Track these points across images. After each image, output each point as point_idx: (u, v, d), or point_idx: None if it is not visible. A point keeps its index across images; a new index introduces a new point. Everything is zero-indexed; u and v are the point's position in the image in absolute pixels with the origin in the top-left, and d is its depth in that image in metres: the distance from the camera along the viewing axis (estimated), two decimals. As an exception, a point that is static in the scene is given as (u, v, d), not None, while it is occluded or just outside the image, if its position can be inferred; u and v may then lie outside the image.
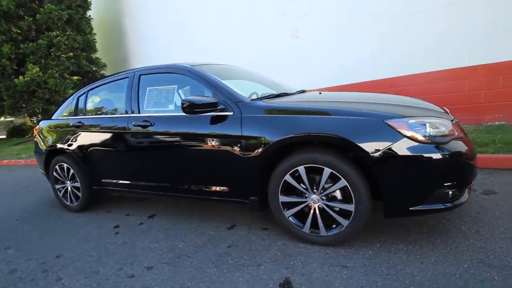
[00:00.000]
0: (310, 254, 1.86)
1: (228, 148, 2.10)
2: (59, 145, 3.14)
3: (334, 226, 1.89)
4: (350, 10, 5.54)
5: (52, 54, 9.01)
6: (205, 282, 1.72)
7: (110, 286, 1.79)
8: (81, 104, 3.11)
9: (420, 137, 1.66)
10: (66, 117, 3.18)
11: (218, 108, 2.12)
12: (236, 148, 2.07)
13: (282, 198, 1.99)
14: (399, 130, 1.67)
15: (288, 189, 1.97)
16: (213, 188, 2.27)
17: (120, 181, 2.82)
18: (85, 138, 2.92)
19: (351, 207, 1.79)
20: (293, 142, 1.89)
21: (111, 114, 2.85)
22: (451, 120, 1.88)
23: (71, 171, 3.10)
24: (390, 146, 1.65)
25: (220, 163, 2.17)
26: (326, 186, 1.86)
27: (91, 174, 2.98)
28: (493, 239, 1.77)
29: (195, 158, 2.29)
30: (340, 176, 1.77)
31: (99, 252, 2.25)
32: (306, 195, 1.92)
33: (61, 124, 3.20)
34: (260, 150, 1.97)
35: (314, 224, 1.93)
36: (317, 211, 1.91)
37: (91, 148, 2.90)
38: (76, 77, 9.54)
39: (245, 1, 7.11)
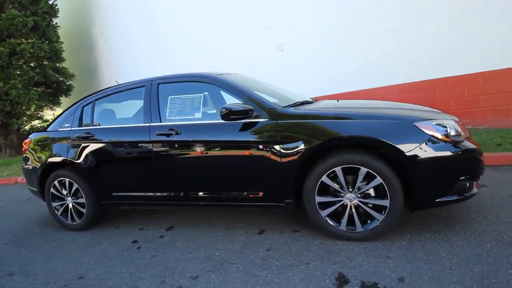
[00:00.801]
0: (351, 249, 1.99)
1: (265, 153, 2.17)
2: (59, 159, 2.93)
3: (369, 221, 2.06)
4: (332, 27, 6.00)
5: (14, 63, 8.23)
6: (260, 284, 1.75)
7: (159, 300, 1.73)
8: (87, 114, 2.94)
9: (443, 137, 1.92)
10: (69, 129, 2.98)
11: (253, 115, 2.20)
12: (271, 154, 2.15)
13: (319, 199, 2.11)
14: (425, 131, 1.91)
15: (324, 190, 2.10)
16: (247, 194, 2.31)
17: (136, 194, 2.70)
18: (95, 150, 2.76)
19: (386, 203, 1.97)
20: (333, 145, 2.03)
21: (126, 124, 2.76)
22: (459, 123, 2.20)
23: (74, 186, 2.89)
24: (419, 145, 1.88)
25: (256, 168, 2.23)
26: (360, 184, 2.03)
27: (101, 188, 2.81)
28: (500, 223, 2.07)
29: (228, 165, 2.32)
30: (376, 174, 1.95)
31: (129, 268, 2.14)
32: (342, 194, 2.07)
33: (61, 136, 2.98)
34: (297, 154, 2.08)
35: (349, 221, 2.08)
36: (353, 209, 2.06)
37: (102, 160, 2.75)
38: (35, 89, 8.70)
39: (230, 12, 7.30)
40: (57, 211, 3.05)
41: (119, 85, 2.93)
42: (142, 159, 2.59)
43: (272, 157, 2.15)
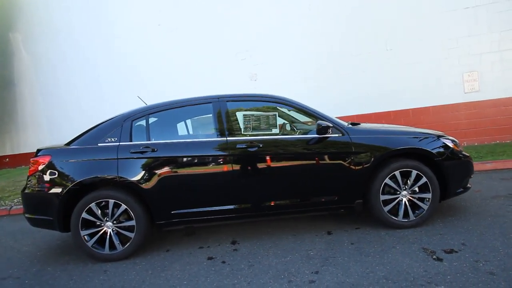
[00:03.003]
0: (413, 234, 2.58)
1: (342, 162, 2.64)
2: (104, 177, 2.59)
3: (417, 211, 2.73)
4: (300, 62, 7.06)
5: None
6: (374, 266, 2.13)
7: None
8: (140, 129, 2.74)
9: (456, 147, 2.84)
10: (117, 143, 2.67)
11: (330, 131, 2.66)
12: (347, 162, 2.64)
13: (382, 197, 2.68)
14: (448, 143, 2.79)
15: (385, 189, 2.69)
16: (324, 199, 2.67)
17: (201, 209, 2.66)
18: (158, 165, 2.60)
19: (429, 195, 2.70)
20: (395, 154, 2.68)
21: (195, 138, 2.73)
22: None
23: (121, 207, 2.59)
24: (447, 153, 2.73)
25: (333, 176, 2.66)
26: (409, 183, 2.71)
27: (159, 207, 2.62)
28: (504, 208, 3.05)
29: (308, 174, 2.66)
30: (422, 175, 2.68)
31: (239, 278, 2.15)
32: (398, 192, 2.71)
33: (106, 152, 2.64)
34: (368, 162, 2.63)
35: (404, 213, 2.71)
36: (407, 203, 2.71)
37: (166, 176, 2.61)
38: None
39: (201, 42, 7.60)
40: (89, 241, 2.60)
41: (177, 100, 2.88)
42: (218, 172, 2.63)
43: (348, 165, 2.64)
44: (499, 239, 2.35)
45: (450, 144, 2.82)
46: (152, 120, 2.81)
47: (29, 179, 2.73)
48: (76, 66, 8.64)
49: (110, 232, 2.62)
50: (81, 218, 2.58)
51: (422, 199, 2.72)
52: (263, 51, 7.21)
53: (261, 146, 2.64)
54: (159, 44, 7.87)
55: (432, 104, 6.16)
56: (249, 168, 2.65)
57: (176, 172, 2.64)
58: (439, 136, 2.83)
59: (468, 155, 2.94)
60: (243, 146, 2.63)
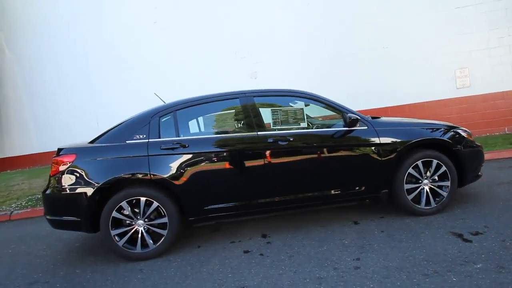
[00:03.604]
0: (438, 219, 2.72)
1: (370, 153, 2.74)
2: (135, 175, 2.54)
3: (437, 199, 2.88)
4: (300, 60, 7.16)
5: None
6: (411, 250, 2.24)
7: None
8: (168, 125, 2.71)
9: (470, 138, 3.02)
10: (146, 140, 2.62)
11: (358, 124, 2.76)
12: (374, 154, 2.75)
13: (406, 186, 2.81)
14: (462, 134, 2.96)
15: (408, 179, 2.82)
16: (352, 189, 2.77)
17: (234, 204, 2.67)
18: (191, 161, 2.59)
19: (448, 183, 2.85)
20: (417, 145, 2.80)
21: (220, 134, 2.73)
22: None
23: (153, 205, 2.55)
24: (464, 143, 2.90)
25: (361, 167, 2.76)
26: (430, 172, 2.85)
27: (192, 203, 2.61)
28: (511, 193, 3.25)
29: (337, 166, 2.74)
30: (442, 164, 2.83)
31: (283, 268, 2.19)
32: (420, 181, 2.84)
33: (136, 149, 2.59)
34: (394, 152, 2.75)
35: (425, 201, 2.85)
36: (428, 191, 2.85)
37: (198, 172, 2.60)
38: None
39: (199, 40, 7.53)
40: (120, 240, 2.54)
41: (204, 96, 2.87)
42: (250, 166, 2.65)
43: (375, 156, 2.75)
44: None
45: (465, 135, 2.99)
46: (179, 116, 2.79)
47: (51, 179, 2.63)
48: (67, 65, 8.31)
49: (141, 231, 2.58)
50: (111, 217, 2.53)
51: (441, 187, 2.87)
52: (262, 49, 7.26)
53: (291, 140, 2.69)
54: (154, 42, 7.73)
55: (427, 100, 6.46)
56: (280, 161, 2.69)
57: (208, 167, 2.64)
58: (455, 127, 3.00)
59: (479, 144, 3.13)
60: (274, 140, 2.67)
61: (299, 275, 2.08)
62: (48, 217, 2.69)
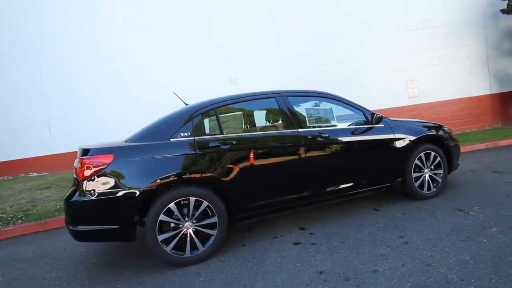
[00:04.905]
0: (440, 201, 3.27)
1: (388, 147, 3.16)
2: (184, 174, 2.43)
3: (434, 184, 3.45)
4: (281, 68, 7.57)
5: None
6: (435, 224, 2.67)
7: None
8: (211, 122, 2.67)
9: (451, 134, 3.71)
10: (191, 138, 2.51)
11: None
12: (392, 147, 3.18)
13: (414, 175, 3.31)
14: (448, 131, 3.64)
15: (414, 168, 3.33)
16: (375, 179, 3.14)
17: (277, 199, 2.76)
18: (238, 159, 2.59)
19: (441, 171, 3.46)
20: (421, 139, 3.33)
21: (260, 131, 2.81)
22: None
23: (203, 204, 2.47)
24: (449, 138, 3.56)
25: (383, 159, 3.16)
26: (429, 162, 3.42)
27: (239, 201, 2.60)
28: (482, 176, 4.06)
29: (365, 159, 3.09)
30: (438, 155, 3.43)
31: (348, 254, 2.36)
32: (423, 170, 3.38)
33: (182, 147, 2.48)
34: (405, 145, 3.22)
35: (423, 187, 3.39)
36: (428, 178, 3.40)
37: (244, 169, 2.61)
38: None
39: (178, 47, 7.33)
40: (167, 246, 2.37)
41: (242, 94, 2.91)
42: (293, 162, 2.78)
43: (392, 149, 3.18)
44: (498, 195, 3.22)
45: (449, 131, 3.68)
46: (220, 113, 2.77)
47: (82, 183, 2.31)
48: (15, 68, 7.11)
49: (190, 233, 2.46)
50: (158, 221, 2.35)
51: (437, 175, 3.46)
52: (242, 56, 7.46)
53: (327, 136, 2.93)
54: (125, 41, 7.22)
55: (387, 107, 7.50)
56: (319, 156, 2.90)
57: (254, 164, 2.68)
58: (442, 126, 3.66)
59: (457, 139, 3.88)
60: (313, 137, 2.87)
61: (363, 256, 2.29)
62: (74, 227, 2.34)
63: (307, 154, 2.84)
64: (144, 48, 7.25)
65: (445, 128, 3.64)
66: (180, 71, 7.30)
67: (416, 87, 7.47)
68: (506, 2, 7.08)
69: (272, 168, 2.76)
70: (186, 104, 3.37)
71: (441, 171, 3.45)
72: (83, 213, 2.35)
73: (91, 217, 2.34)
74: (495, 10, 7.40)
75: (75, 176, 2.48)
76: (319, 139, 2.90)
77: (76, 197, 2.34)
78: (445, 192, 3.57)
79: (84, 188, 2.32)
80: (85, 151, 2.43)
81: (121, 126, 7.04)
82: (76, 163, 2.51)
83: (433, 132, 3.45)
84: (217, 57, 7.43)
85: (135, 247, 2.98)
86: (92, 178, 2.31)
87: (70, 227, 2.38)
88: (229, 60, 7.45)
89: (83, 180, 2.32)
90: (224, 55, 7.42)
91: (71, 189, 2.51)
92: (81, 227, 2.34)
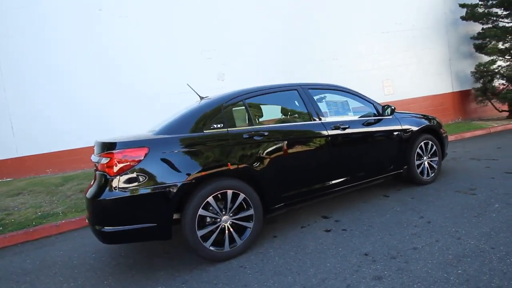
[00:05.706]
0: (437, 186, 3.59)
1: (397, 137, 3.40)
2: (220, 166, 2.36)
3: (431, 170, 3.80)
4: (268, 64, 7.63)
5: None
6: (444, 204, 2.95)
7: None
8: (239, 114, 2.62)
9: (443, 125, 4.11)
10: (226, 129, 2.43)
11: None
12: (400, 137, 3.43)
13: (416, 162, 3.61)
14: (440, 122, 4.02)
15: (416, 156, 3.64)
16: (386, 168, 3.36)
17: (307, 189, 2.82)
18: (270, 150, 2.59)
19: (437, 159, 3.82)
20: (421, 130, 3.63)
21: (286, 122, 2.84)
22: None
23: (240, 197, 2.43)
24: (441, 129, 3.94)
25: (393, 147, 3.39)
26: (426, 152, 3.75)
27: (273, 192, 2.61)
28: (465, 163, 4.52)
29: (380, 147, 3.31)
30: (434, 144, 3.78)
31: (382, 236, 2.49)
32: (423, 158, 3.70)
33: (218, 138, 2.42)
34: (411, 135, 3.50)
35: (424, 173, 3.73)
36: (427, 165, 3.73)
37: (277, 160, 2.63)
38: None
39: (163, 40, 6.99)
40: (207, 240, 2.29)
41: (266, 86, 2.90)
42: (318, 152, 2.87)
43: (399, 139, 3.43)
44: (486, 178, 3.65)
45: (440, 122, 4.07)
46: (249, 104, 2.73)
47: (112, 180, 2.12)
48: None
49: (227, 226, 2.40)
50: (197, 216, 2.26)
51: (433, 162, 3.81)
52: (229, 51, 7.36)
53: (348, 126, 3.06)
54: (100, 32, 6.70)
55: (367, 103, 7.99)
56: (342, 146, 3.02)
57: (285, 154, 2.70)
58: (435, 117, 4.04)
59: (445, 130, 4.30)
60: (335, 127, 2.98)
61: (396, 236, 2.45)
62: (104, 228, 2.14)
63: (330, 144, 2.94)
64: (123, 39, 6.78)
65: (437, 120, 4.02)
66: (165, 66, 6.98)
67: (390, 85, 8.09)
68: (465, 9, 8.01)
69: (300, 158, 2.80)
70: (201, 98, 3.26)
71: (437, 158, 3.81)
72: (114, 212, 2.15)
73: (124, 216, 2.15)
74: (456, 16, 8.33)
75: (99, 172, 2.26)
76: (341, 130, 3.02)
77: (105, 195, 2.14)
78: (439, 177, 3.95)
79: (115, 185, 2.13)
80: (111, 145, 2.23)
81: (100, 120, 6.53)
82: (97, 158, 2.30)
83: (432, 123, 3.80)
84: (203, 52, 7.24)
85: (156, 247, 2.82)
86: (125, 173, 2.14)
87: (98, 228, 2.17)
88: (216, 56, 7.31)
89: (115, 176, 2.13)
90: (210, 50, 7.26)
91: (94, 186, 2.29)
92: (112, 228, 2.14)
